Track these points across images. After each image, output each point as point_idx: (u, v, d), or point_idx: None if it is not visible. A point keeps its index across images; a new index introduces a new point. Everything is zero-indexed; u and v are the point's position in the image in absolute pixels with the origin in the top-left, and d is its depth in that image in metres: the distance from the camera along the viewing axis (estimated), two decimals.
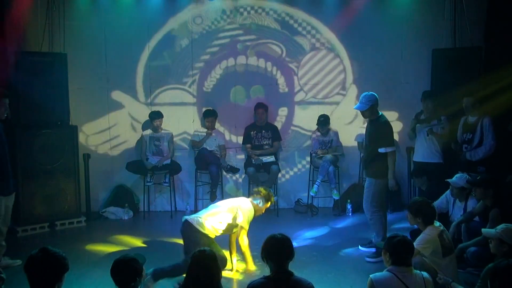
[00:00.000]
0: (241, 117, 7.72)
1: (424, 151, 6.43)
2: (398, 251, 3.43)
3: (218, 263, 3.29)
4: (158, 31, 7.60)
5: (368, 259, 5.42)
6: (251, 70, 7.73)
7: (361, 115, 5.60)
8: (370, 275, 3.43)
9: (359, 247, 5.78)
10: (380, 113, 5.51)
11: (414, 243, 4.10)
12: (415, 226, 4.50)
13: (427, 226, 4.24)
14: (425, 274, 3.51)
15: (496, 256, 3.79)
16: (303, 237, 6.31)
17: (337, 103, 7.75)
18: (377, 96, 5.46)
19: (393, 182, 5.50)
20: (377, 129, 5.47)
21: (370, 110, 5.44)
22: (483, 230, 4.04)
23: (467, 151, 5.95)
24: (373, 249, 5.54)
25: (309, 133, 7.70)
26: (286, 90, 7.77)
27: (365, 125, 7.31)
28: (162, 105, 7.67)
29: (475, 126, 5.90)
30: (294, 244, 3.36)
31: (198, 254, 3.25)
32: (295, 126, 7.83)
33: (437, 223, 4.26)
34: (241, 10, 7.63)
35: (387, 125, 5.48)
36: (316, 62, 7.72)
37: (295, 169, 7.87)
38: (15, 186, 5.40)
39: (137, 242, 6.18)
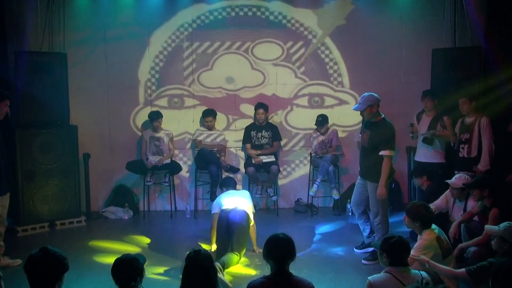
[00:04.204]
0: (242, 117, 7.72)
1: (426, 151, 6.42)
2: (395, 252, 3.43)
3: (214, 263, 3.28)
4: (158, 31, 7.60)
5: (364, 262, 5.40)
6: (251, 69, 7.73)
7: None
8: (368, 277, 3.43)
9: (354, 249, 5.77)
10: (383, 115, 5.36)
11: (413, 250, 4.08)
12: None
13: (423, 230, 4.20)
14: (423, 273, 3.50)
15: (496, 253, 3.79)
16: (303, 237, 6.31)
17: (336, 103, 7.76)
18: (377, 96, 5.32)
19: (383, 190, 5.23)
20: (380, 132, 5.30)
21: (368, 111, 5.28)
22: (486, 226, 4.03)
23: (469, 158, 5.94)
24: (369, 249, 5.52)
25: (309, 133, 7.70)
26: (287, 90, 7.77)
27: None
28: (162, 105, 7.68)
29: (472, 127, 5.91)
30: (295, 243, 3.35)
31: (193, 255, 3.22)
32: (295, 126, 7.83)
33: (433, 226, 4.23)
34: (242, 9, 7.63)
35: (390, 128, 5.31)
36: (316, 62, 7.72)
37: (295, 169, 7.88)
38: (9, 186, 5.38)
39: (137, 242, 6.19)
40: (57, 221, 6.77)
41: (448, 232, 4.84)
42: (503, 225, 3.79)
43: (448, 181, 5.32)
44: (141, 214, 7.55)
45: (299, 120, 7.79)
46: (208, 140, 7.47)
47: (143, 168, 7.36)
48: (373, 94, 5.34)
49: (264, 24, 7.64)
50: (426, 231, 4.18)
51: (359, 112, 5.51)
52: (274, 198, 7.37)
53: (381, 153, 5.24)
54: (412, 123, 6.67)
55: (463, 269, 3.76)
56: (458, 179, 5.24)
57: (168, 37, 7.63)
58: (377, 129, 5.33)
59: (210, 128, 7.51)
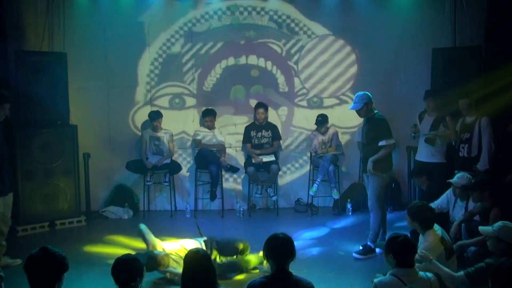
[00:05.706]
0: (241, 117, 7.72)
1: (427, 150, 6.41)
2: (401, 252, 3.37)
3: (212, 263, 3.28)
4: (158, 30, 7.60)
5: (355, 255, 5.47)
6: (251, 69, 7.73)
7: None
8: (374, 280, 3.37)
9: (353, 254, 5.61)
10: (376, 111, 5.57)
11: (418, 252, 4.04)
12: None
13: (425, 230, 4.17)
14: (429, 275, 3.47)
15: (494, 253, 3.78)
16: (303, 237, 6.31)
17: (336, 103, 7.75)
18: (370, 95, 5.52)
19: (371, 165, 5.43)
20: (374, 126, 5.53)
21: (365, 109, 5.51)
22: (480, 227, 4.00)
23: (469, 157, 5.94)
24: (368, 254, 5.52)
25: (309, 133, 7.70)
26: (286, 89, 7.77)
27: None
28: (162, 105, 7.68)
29: (473, 126, 5.92)
30: (295, 243, 3.35)
31: (191, 255, 3.22)
32: (295, 125, 7.83)
33: (435, 227, 4.19)
34: (241, 9, 7.62)
35: (383, 120, 5.54)
36: (315, 61, 7.71)
37: (295, 169, 7.87)
38: (12, 185, 5.38)
39: (137, 242, 6.18)
40: (57, 221, 6.77)
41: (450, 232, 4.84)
42: (497, 225, 3.78)
43: (451, 180, 5.31)
44: (141, 213, 7.54)
45: (299, 119, 7.79)
46: (208, 139, 7.47)
47: (143, 167, 7.36)
48: (366, 92, 5.56)
49: (265, 24, 7.63)
50: (430, 233, 4.14)
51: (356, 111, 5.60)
52: (274, 198, 7.37)
53: (381, 143, 5.42)
54: (415, 123, 6.65)
55: (462, 273, 3.76)
56: (460, 178, 5.23)
57: (168, 37, 7.62)
58: (372, 123, 5.56)
59: (210, 127, 7.51)
